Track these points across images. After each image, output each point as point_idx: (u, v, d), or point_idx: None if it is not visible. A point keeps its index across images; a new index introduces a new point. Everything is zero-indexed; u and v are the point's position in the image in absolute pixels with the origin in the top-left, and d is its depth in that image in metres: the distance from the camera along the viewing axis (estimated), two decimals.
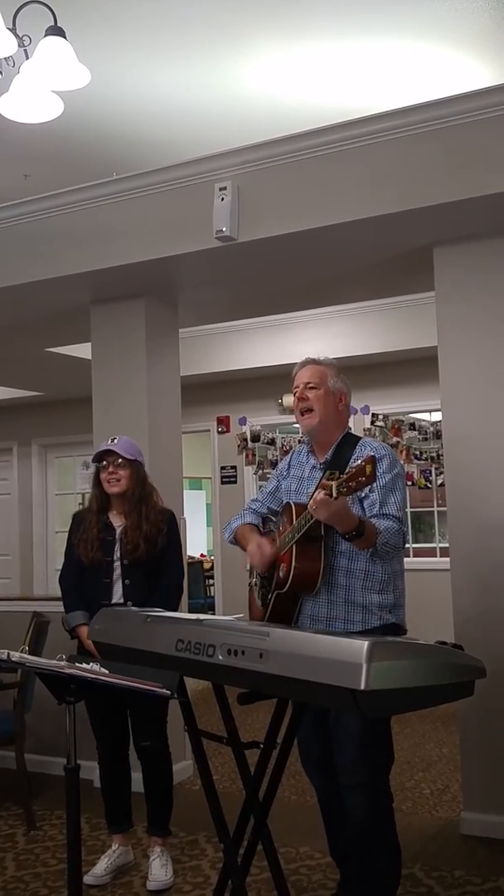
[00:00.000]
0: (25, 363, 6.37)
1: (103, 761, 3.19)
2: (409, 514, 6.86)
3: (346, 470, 2.25)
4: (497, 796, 3.40)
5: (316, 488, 2.48)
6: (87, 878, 3.00)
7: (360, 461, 2.20)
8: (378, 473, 2.45)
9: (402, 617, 2.56)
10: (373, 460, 2.17)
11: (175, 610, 3.11)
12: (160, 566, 3.15)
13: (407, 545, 2.62)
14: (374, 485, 2.44)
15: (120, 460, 3.15)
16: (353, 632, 2.43)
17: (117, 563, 3.13)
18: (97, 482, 3.22)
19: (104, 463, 3.18)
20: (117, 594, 3.12)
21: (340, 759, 2.47)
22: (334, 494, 2.19)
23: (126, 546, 3.11)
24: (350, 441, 2.63)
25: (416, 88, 4.81)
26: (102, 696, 3.00)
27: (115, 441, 3.20)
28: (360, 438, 2.66)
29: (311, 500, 2.30)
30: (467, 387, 3.57)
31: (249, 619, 2.70)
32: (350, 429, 2.73)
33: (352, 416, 3.71)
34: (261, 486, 3.06)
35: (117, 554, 3.14)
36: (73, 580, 3.22)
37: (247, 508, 2.85)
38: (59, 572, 3.03)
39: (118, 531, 3.17)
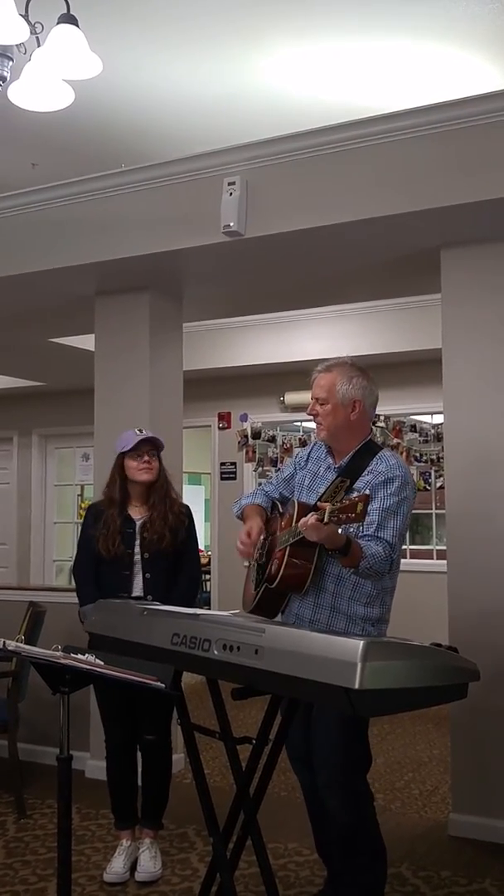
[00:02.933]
0: (28, 353, 6.37)
1: (113, 756, 3.17)
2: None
3: (343, 498, 2.22)
4: (486, 799, 3.41)
5: (325, 490, 2.50)
6: (109, 877, 3.01)
7: (355, 496, 2.18)
8: (385, 494, 2.45)
9: (384, 632, 2.55)
10: (366, 499, 2.15)
11: (194, 603, 3.12)
12: (179, 560, 3.16)
13: (403, 547, 2.61)
14: (377, 506, 2.43)
15: (154, 451, 3.16)
16: None
17: (137, 557, 3.13)
18: (121, 472, 3.18)
19: (138, 452, 3.15)
20: (137, 587, 3.12)
21: (317, 759, 2.49)
22: (325, 521, 2.18)
23: (152, 536, 3.11)
24: (370, 450, 2.58)
25: (427, 89, 4.80)
26: (115, 690, 3.00)
27: (144, 431, 3.22)
28: (380, 448, 2.61)
29: (301, 522, 2.29)
30: (470, 390, 3.57)
31: (242, 596, 2.73)
32: (373, 434, 2.67)
33: None
34: (277, 472, 3.03)
35: (137, 547, 3.13)
36: (89, 572, 3.20)
37: (260, 489, 2.84)
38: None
39: (138, 524, 3.16)
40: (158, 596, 3.02)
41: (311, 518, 2.24)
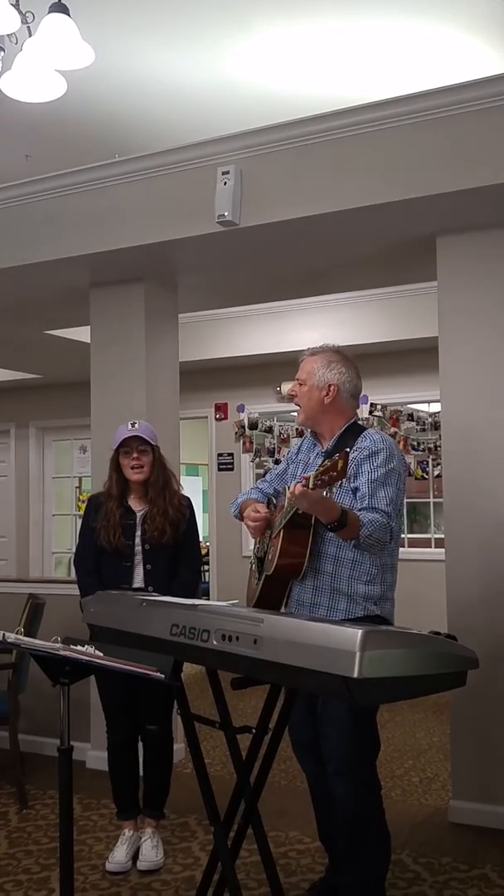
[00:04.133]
0: (24, 345, 6.35)
1: (116, 747, 3.18)
2: (404, 505, 6.85)
3: (322, 462, 2.25)
4: (485, 785, 3.43)
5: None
6: (111, 866, 3.03)
7: (335, 456, 2.20)
8: (371, 466, 2.47)
9: (388, 610, 2.56)
10: (345, 456, 2.16)
11: (195, 594, 3.13)
12: (180, 551, 3.17)
13: (402, 535, 2.62)
14: (366, 478, 2.46)
15: (143, 446, 3.15)
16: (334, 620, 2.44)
17: (138, 548, 3.13)
18: (117, 467, 3.19)
19: (127, 448, 3.15)
20: (138, 579, 3.13)
21: (327, 747, 2.49)
22: (311, 487, 2.20)
23: (152, 531, 3.11)
24: (354, 431, 2.62)
25: (424, 72, 4.76)
26: (118, 683, 3.01)
27: (136, 426, 3.19)
28: (364, 429, 2.64)
29: (289, 492, 2.30)
30: (467, 377, 3.57)
31: (246, 595, 2.74)
32: (358, 418, 2.71)
33: None
34: (269, 470, 3.12)
35: (138, 539, 3.14)
36: (90, 564, 3.20)
37: (254, 487, 2.88)
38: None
39: (139, 515, 3.16)
40: (159, 587, 3.02)
41: (298, 485, 2.26)
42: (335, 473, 2.16)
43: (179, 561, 3.18)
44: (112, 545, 3.12)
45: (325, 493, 2.25)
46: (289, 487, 2.57)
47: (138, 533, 3.14)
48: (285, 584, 2.58)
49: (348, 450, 2.24)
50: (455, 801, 3.51)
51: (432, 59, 4.74)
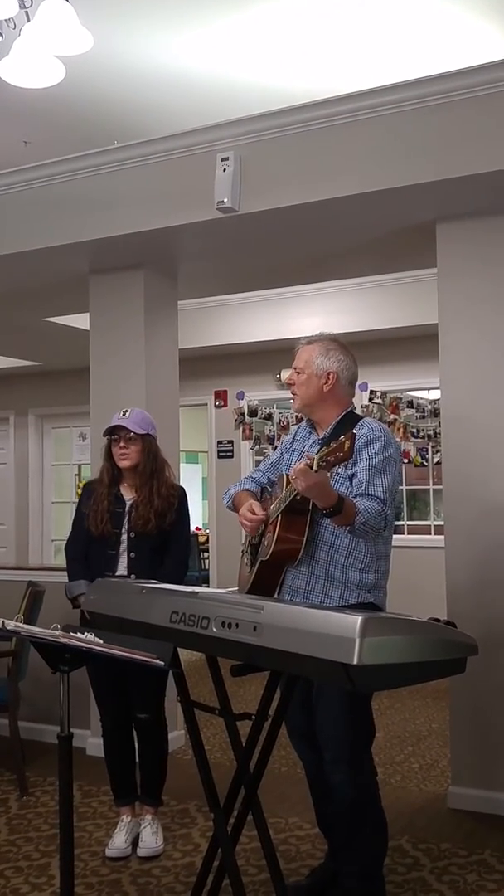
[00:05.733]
0: (23, 332, 6.34)
1: (108, 734, 3.20)
2: (403, 492, 6.88)
3: (327, 443, 2.26)
4: (485, 771, 3.45)
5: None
6: (111, 852, 3.05)
7: (342, 436, 2.21)
8: (370, 454, 2.48)
9: (381, 598, 2.57)
10: (352, 437, 2.17)
11: (180, 584, 3.13)
12: (167, 542, 3.17)
13: (400, 522, 2.63)
14: (363, 465, 2.46)
15: (130, 435, 3.15)
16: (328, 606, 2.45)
17: (124, 536, 3.14)
18: (108, 455, 3.21)
19: (115, 437, 3.17)
20: (122, 567, 3.13)
21: (323, 735, 2.50)
22: (315, 468, 2.21)
23: (136, 520, 3.12)
24: (351, 419, 2.62)
25: (429, 54, 4.72)
26: (105, 669, 3.02)
27: (127, 414, 3.19)
28: (361, 418, 2.64)
29: (292, 470, 2.31)
30: (467, 364, 3.56)
31: (238, 582, 2.74)
32: (354, 407, 2.72)
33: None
34: (263, 458, 3.13)
35: (125, 527, 3.15)
36: (79, 549, 3.23)
37: (248, 477, 2.88)
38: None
39: (128, 504, 3.17)
40: (142, 576, 3.01)
41: (300, 463, 2.27)
42: (342, 454, 2.16)
43: (166, 551, 3.17)
44: (98, 531, 3.14)
45: (329, 474, 2.25)
46: (287, 474, 2.57)
47: (126, 521, 3.15)
48: (280, 569, 2.58)
49: (354, 431, 2.24)
50: (454, 787, 3.53)
51: (436, 40, 4.69)
